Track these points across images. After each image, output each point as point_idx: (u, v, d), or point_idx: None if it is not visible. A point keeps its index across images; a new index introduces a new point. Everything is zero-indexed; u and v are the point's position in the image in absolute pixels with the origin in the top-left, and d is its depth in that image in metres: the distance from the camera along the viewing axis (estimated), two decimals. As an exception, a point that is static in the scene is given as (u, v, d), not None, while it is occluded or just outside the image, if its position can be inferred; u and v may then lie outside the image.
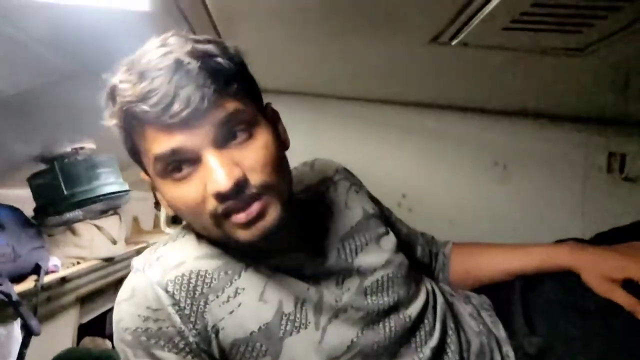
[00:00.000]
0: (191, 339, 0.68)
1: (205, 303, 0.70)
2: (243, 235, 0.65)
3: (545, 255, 0.90)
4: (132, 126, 0.65)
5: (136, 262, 0.73)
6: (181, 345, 0.68)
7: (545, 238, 1.02)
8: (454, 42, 0.91)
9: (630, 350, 0.75)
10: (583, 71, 1.03)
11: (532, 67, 1.03)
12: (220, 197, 0.62)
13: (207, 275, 0.71)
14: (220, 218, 0.65)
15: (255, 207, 0.64)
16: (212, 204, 0.64)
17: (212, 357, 0.70)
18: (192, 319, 0.69)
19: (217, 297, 0.70)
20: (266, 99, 0.76)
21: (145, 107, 0.60)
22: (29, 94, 1.27)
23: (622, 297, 0.78)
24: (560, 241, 0.98)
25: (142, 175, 0.74)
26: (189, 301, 0.69)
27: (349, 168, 0.98)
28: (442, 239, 1.10)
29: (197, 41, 0.64)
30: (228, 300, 0.71)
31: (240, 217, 0.64)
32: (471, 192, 1.45)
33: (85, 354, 2.31)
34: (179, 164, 0.64)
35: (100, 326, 2.76)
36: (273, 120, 0.75)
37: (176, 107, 0.59)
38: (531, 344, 0.83)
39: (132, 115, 0.62)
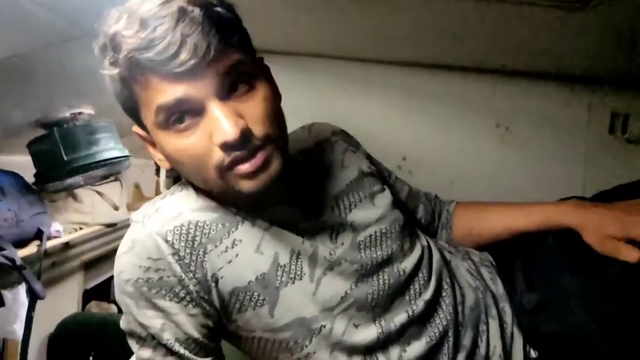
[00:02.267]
0: (192, 288, 0.70)
1: (204, 253, 0.71)
2: (247, 185, 0.65)
3: (547, 214, 0.90)
4: (134, 75, 0.63)
5: (135, 215, 0.74)
6: (182, 294, 0.70)
7: (547, 199, 1.01)
8: (454, -4, 0.89)
9: (626, 301, 0.75)
10: (587, 28, 1.01)
11: (535, 23, 1.01)
12: (227, 146, 0.62)
13: (205, 226, 0.72)
14: (225, 170, 0.65)
15: (260, 157, 0.64)
16: (218, 156, 0.64)
17: (212, 306, 0.72)
18: (192, 268, 0.70)
19: (216, 247, 0.72)
20: (265, 60, 0.75)
21: (150, 55, 0.58)
22: (27, 56, 1.25)
23: (628, 254, 0.76)
24: (562, 200, 0.98)
25: (135, 128, 0.73)
26: (188, 250, 0.70)
27: (348, 130, 0.97)
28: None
29: None
30: (226, 251, 0.72)
31: (246, 167, 0.64)
32: (473, 153, 1.44)
33: (91, 318, 2.36)
34: (181, 114, 0.63)
35: (105, 292, 2.81)
36: (267, 75, 0.75)
37: (183, 56, 0.58)
38: (529, 300, 0.84)
39: (136, 63, 0.60)
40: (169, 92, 0.61)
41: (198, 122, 0.63)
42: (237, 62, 0.63)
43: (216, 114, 0.62)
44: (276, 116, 0.68)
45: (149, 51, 0.58)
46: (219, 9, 0.63)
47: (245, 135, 0.62)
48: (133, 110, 0.69)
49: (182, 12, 0.59)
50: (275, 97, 0.70)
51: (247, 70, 0.65)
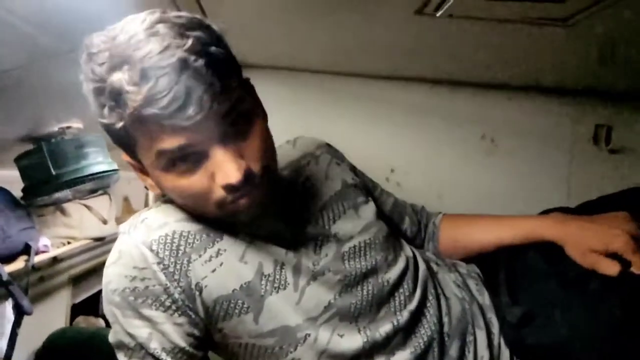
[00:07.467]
0: (177, 296, 0.71)
1: (189, 262, 0.72)
2: (244, 215, 0.70)
3: (531, 228, 0.92)
4: (137, 127, 0.63)
5: (122, 227, 0.76)
6: (168, 303, 0.71)
7: (532, 210, 1.03)
8: (438, 14, 0.91)
9: (606, 313, 0.76)
10: (568, 42, 1.03)
11: (518, 39, 1.03)
12: (230, 188, 0.65)
13: (189, 235, 0.74)
14: (227, 204, 0.68)
15: (256, 193, 0.68)
16: (219, 193, 0.66)
17: (197, 315, 0.73)
18: (177, 277, 0.71)
19: (200, 256, 0.73)
20: (251, 73, 0.77)
21: (155, 110, 0.59)
22: (15, 72, 1.25)
23: (607, 267, 0.78)
24: (546, 211, 0.99)
25: (125, 157, 0.73)
26: (172, 259, 0.71)
27: (336, 143, 0.99)
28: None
29: (188, 28, 0.61)
30: (210, 260, 0.74)
31: (245, 200, 0.68)
32: (459, 165, 1.46)
33: (79, 333, 2.33)
34: (183, 158, 0.65)
35: (93, 306, 2.78)
36: (254, 95, 0.76)
37: (190, 111, 0.59)
38: (512, 313, 0.85)
39: (140, 117, 0.60)
40: (171, 140, 0.62)
41: (200, 164, 0.65)
42: (236, 101, 0.65)
43: (219, 158, 0.64)
44: (270, 147, 0.72)
45: (152, 106, 0.58)
46: (214, 49, 0.62)
47: (248, 176, 0.64)
48: (127, 147, 0.69)
49: (183, 64, 0.58)
50: (267, 126, 0.73)
51: (245, 107, 0.67)
